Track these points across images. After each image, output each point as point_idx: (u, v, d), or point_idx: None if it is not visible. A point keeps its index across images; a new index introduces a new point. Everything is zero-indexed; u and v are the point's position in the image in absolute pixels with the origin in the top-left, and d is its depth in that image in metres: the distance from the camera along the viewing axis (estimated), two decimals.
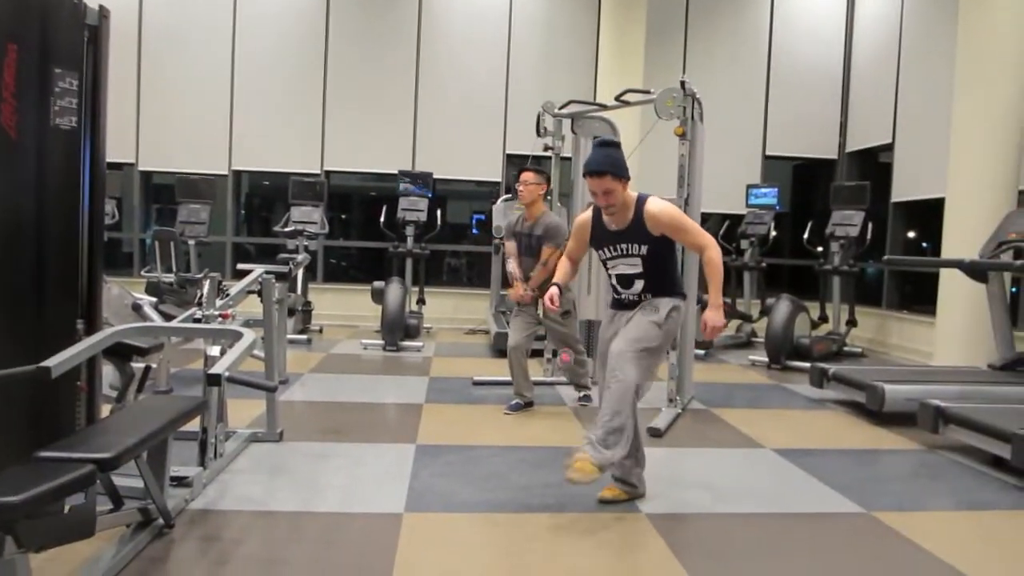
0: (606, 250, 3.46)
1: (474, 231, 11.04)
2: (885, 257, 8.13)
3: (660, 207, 3.35)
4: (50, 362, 2.75)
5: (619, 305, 3.53)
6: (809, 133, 10.24)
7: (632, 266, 3.40)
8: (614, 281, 3.51)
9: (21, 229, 3.07)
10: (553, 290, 3.65)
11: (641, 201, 3.36)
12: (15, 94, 2.99)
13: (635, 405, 3.28)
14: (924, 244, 9.30)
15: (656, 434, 4.68)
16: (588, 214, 3.57)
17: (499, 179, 10.06)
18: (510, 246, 5.41)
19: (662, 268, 3.42)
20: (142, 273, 8.78)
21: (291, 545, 2.94)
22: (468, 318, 9.67)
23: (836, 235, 8.21)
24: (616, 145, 3.48)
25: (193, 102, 9.73)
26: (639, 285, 3.42)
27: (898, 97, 9.03)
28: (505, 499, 3.50)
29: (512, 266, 5.34)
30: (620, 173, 3.32)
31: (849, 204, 8.26)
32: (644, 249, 3.36)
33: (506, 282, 9.05)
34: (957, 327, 6.78)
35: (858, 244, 8.14)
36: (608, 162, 3.32)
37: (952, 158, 6.93)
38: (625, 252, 3.40)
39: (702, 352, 7.71)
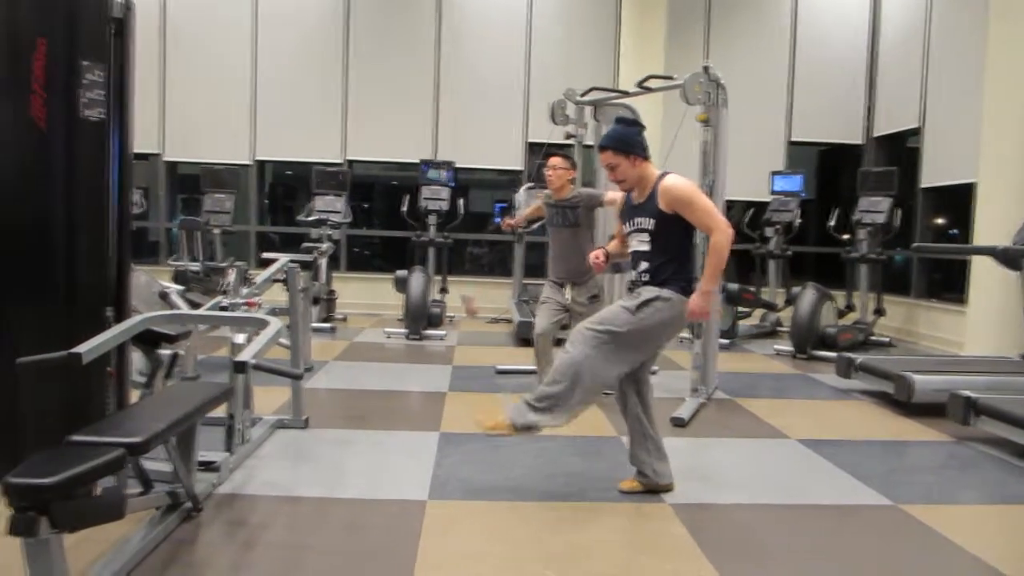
0: (628, 223, 3.44)
1: (496, 220, 11.03)
2: (914, 244, 8.00)
3: (674, 181, 3.28)
4: (81, 349, 2.79)
5: (629, 290, 3.50)
6: (835, 118, 10.07)
7: (642, 242, 3.34)
8: (631, 260, 3.48)
9: (51, 219, 3.12)
10: (600, 251, 3.67)
11: (662, 177, 3.32)
12: (44, 87, 3.03)
13: (584, 385, 3.15)
14: (954, 231, 9.14)
15: (680, 424, 4.66)
16: (623, 192, 3.59)
17: (521, 167, 10.04)
18: (535, 207, 5.47)
19: (667, 251, 3.30)
20: (169, 261, 8.89)
21: (316, 530, 2.97)
22: (491, 307, 9.68)
23: (863, 222, 8.09)
24: (630, 123, 3.46)
25: (217, 93, 9.80)
26: (643, 265, 3.34)
27: (926, 80, 8.85)
28: (528, 487, 3.51)
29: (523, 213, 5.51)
30: (624, 149, 3.30)
31: (876, 190, 8.12)
32: (651, 223, 3.29)
33: (528, 272, 9.11)
34: (988, 316, 6.66)
35: (885, 231, 8.02)
36: (612, 138, 3.34)
37: (983, 142, 6.79)
38: (638, 226, 3.35)
39: (726, 341, 7.66)
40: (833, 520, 3.31)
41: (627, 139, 3.34)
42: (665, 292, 3.24)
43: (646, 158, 3.35)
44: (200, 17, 9.79)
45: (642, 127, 3.48)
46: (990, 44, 6.75)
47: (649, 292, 3.25)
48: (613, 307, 3.35)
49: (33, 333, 3.10)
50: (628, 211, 3.45)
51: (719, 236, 3.20)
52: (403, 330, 7.88)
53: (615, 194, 3.64)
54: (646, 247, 3.32)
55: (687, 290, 3.28)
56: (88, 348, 2.82)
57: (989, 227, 6.57)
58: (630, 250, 3.44)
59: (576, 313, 5.28)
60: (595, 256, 3.65)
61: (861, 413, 5.30)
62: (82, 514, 2.16)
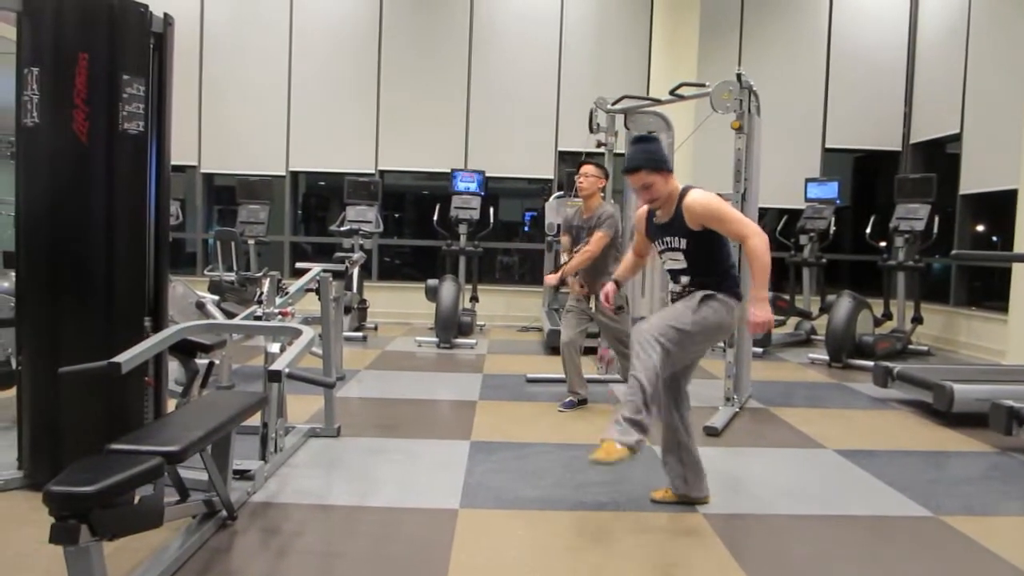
0: (657, 243, 3.39)
1: (526, 228, 11.04)
2: (953, 252, 7.83)
3: (695, 198, 3.20)
4: (120, 358, 2.84)
5: (671, 299, 3.43)
6: (871, 124, 9.93)
7: (676, 261, 3.29)
8: (670, 276, 3.44)
9: (92, 230, 3.19)
10: (609, 286, 3.64)
11: (683, 194, 3.24)
12: (86, 101, 3.11)
13: (658, 380, 3.11)
14: (994, 238, 8.93)
15: (713, 433, 4.61)
16: (643, 209, 3.50)
17: (551, 176, 10.04)
18: (566, 240, 5.41)
19: (707, 263, 3.25)
20: (205, 272, 9.04)
21: (348, 538, 2.99)
22: (521, 315, 9.68)
23: (900, 229, 7.95)
24: (651, 139, 3.43)
25: (252, 105, 9.97)
26: (684, 279, 3.30)
27: (966, 85, 8.68)
28: (560, 497, 3.49)
29: (566, 261, 5.34)
30: (657, 166, 3.23)
31: (914, 197, 7.98)
32: (684, 243, 3.23)
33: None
34: None
35: (924, 239, 7.87)
36: (642, 157, 3.24)
37: None
38: (670, 246, 3.29)
39: (760, 350, 7.56)
40: (872, 532, 3.24)
41: (658, 155, 3.27)
42: (720, 294, 3.22)
43: (671, 172, 3.31)
44: (237, 32, 9.98)
45: (658, 140, 3.47)
46: None
47: (702, 293, 3.21)
48: (676, 307, 3.24)
49: (74, 343, 3.17)
50: (654, 230, 3.39)
51: (755, 241, 3.12)
52: (434, 339, 7.92)
53: (639, 214, 3.56)
54: (681, 264, 3.28)
55: (738, 295, 3.28)
56: (127, 358, 2.87)
57: None
58: (665, 267, 3.40)
59: (602, 323, 5.27)
60: (604, 296, 3.64)
61: (899, 423, 5.20)
62: (122, 522, 2.20)
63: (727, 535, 3.09)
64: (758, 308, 3.14)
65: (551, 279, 5.31)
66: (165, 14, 3.36)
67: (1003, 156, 7.61)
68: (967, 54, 8.70)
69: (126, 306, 3.28)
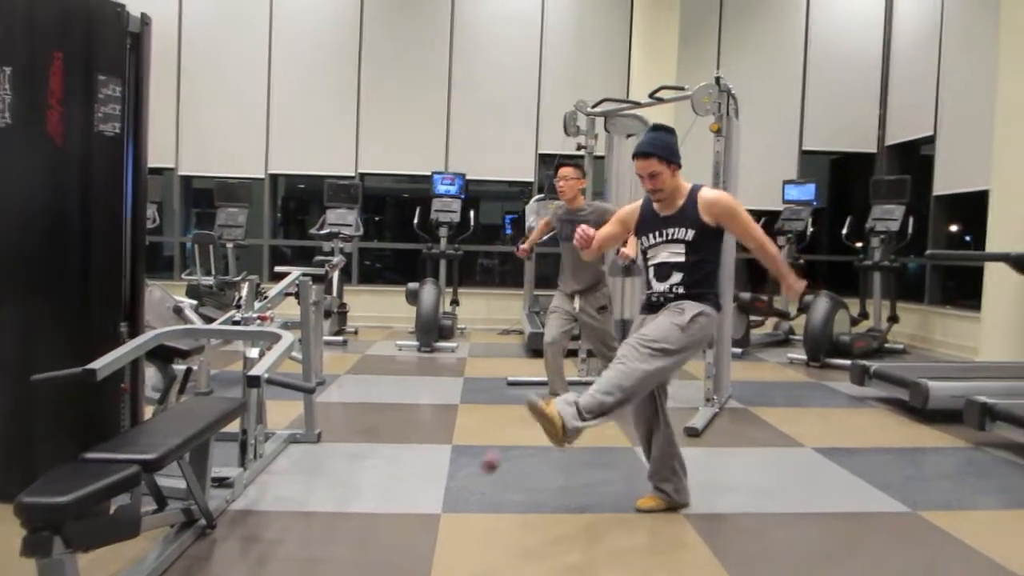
0: (651, 236, 3.31)
1: (507, 231, 11.04)
2: (928, 251, 7.94)
3: (714, 192, 3.30)
4: (96, 364, 2.80)
5: (649, 307, 3.34)
6: (847, 127, 10.05)
7: (675, 254, 3.23)
8: (651, 275, 3.32)
9: (67, 234, 3.14)
10: (587, 228, 3.42)
11: (696, 188, 3.28)
12: (61, 101, 3.06)
13: (633, 398, 3.09)
14: (967, 238, 9.07)
15: (693, 434, 4.63)
16: (638, 203, 3.47)
17: (532, 179, 10.05)
18: (541, 225, 5.53)
19: (703, 263, 3.23)
20: (182, 276, 8.94)
21: (330, 545, 2.97)
22: (502, 319, 9.67)
23: (876, 230, 8.05)
24: (669, 130, 3.37)
25: (231, 107, 9.88)
26: (676, 277, 3.22)
27: (939, 88, 8.81)
28: (542, 500, 3.49)
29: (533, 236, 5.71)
30: (668, 157, 3.22)
31: (889, 198, 8.09)
32: (691, 234, 3.20)
33: (540, 283, 9.10)
34: (1003, 322, 6.61)
35: (899, 239, 7.98)
36: (656, 144, 3.23)
37: (996, 149, 6.76)
38: (670, 237, 3.24)
39: (739, 350, 7.61)
40: (852, 528, 3.27)
41: (671, 147, 3.27)
42: (707, 308, 3.20)
43: (680, 167, 3.30)
44: (215, 32, 9.89)
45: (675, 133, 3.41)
46: (1002, 52, 6.73)
47: (692, 308, 3.17)
48: (662, 324, 3.16)
49: (48, 348, 3.12)
50: (652, 222, 3.33)
51: (760, 238, 3.28)
52: (414, 342, 7.89)
53: (627, 208, 3.52)
54: (680, 258, 3.23)
55: (719, 306, 3.30)
56: (103, 364, 2.83)
57: (1003, 233, 6.54)
58: (652, 263, 3.31)
59: (585, 324, 5.26)
60: (581, 233, 3.37)
61: (876, 420, 5.26)
62: (97, 533, 2.16)
63: (709, 534, 3.11)
64: (795, 281, 3.34)
65: (521, 251, 5.70)
66: (142, 14, 3.32)
67: (975, 158, 7.73)
68: (940, 59, 8.83)
69: (102, 311, 3.23)
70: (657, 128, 3.38)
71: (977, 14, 8.13)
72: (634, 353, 3.10)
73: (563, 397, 3.05)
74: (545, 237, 5.62)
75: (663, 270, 3.27)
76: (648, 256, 3.35)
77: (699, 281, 3.23)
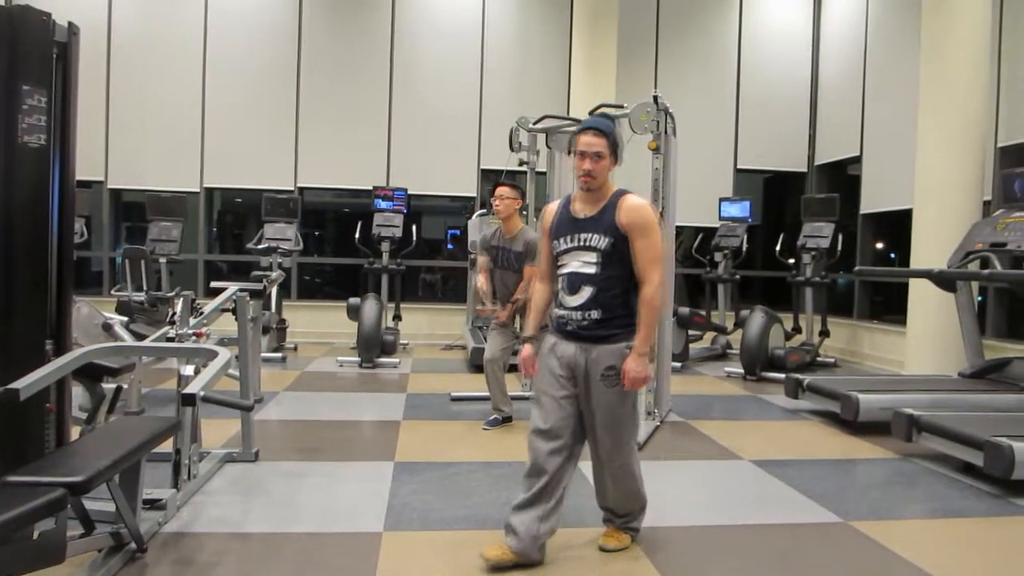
0: (564, 240, 2.93)
1: (449, 246, 11.03)
2: (856, 268, 8.27)
3: (641, 201, 2.93)
4: (18, 384, 2.69)
5: (564, 334, 2.94)
6: (779, 146, 10.40)
7: (586, 264, 2.86)
8: (561, 285, 2.94)
9: None
10: (527, 351, 3.12)
11: (621, 192, 2.94)
12: None
13: (643, 490, 3.15)
14: (892, 255, 9.46)
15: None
16: (555, 203, 3.12)
17: (474, 194, 10.08)
18: (482, 260, 5.38)
19: (617, 280, 2.86)
20: (112, 292, 8.63)
21: (268, 567, 2.89)
22: (445, 334, 9.64)
23: (807, 247, 8.33)
24: (616, 123, 3.12)
25: (164, 119, 9.63)
26: (586, 293, 2.85)
27: (864, 111, 9.21)
28: (486, 515, 3.47)
29: (481, 281, 5.30)
30: (614, 145, 2.93)
31: (819, 216, 8.39)
32: (605, 243, 2.83)
33: None
34: (927, 336, 6.90)
35: (829, 255, 8.27)
36: (608, 127, 2.94)
37: (918, 170, 7.07)
38: (584, 244, 2.87)
39: (678, 364, 7.75)
40: (786, 539, 3.35)
41: (618, 137, 2.97)
42: (625, 346, 2.86)
43: (617, 165, 3.00)
44: (147, 42, 9.63)
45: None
46: (922, 77, 7.07)
47: (616, 356, 2.85)
48: (610, 403, 2.88)
49: None
50: (567, 224, 2.95)
51: (654, 288, 2.83)
52: (356, 358, 7.79)
53: (547, 209, 3.31)
54: (591, 269, 2.86)
55: (635, 330, 2.88)
56: (26, 384, 2.72)
57: (926, 251, 6.82)
58: (564, 271, 2.93)
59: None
60: (524, 366, 3.12)
61: (810, 432, 5.41)
62: (19, 559, 2.07)
63: (649, 546, 3.14)
64: (640, 362, 2.82)
65: (498, 315, 5.17)
66: (70, 23, 3.22)
67: (899, 178, 8.09)
68: (864, 83, 9.24)
69: (25, 328, 3.09)
70: (606, 115, 3.17)
71: (899, 39, 8.55)
72: (619, 452, 3.01)
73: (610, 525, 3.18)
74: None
75: (573, 282, 2.89)
76: (559, 264, 2.97)
77: (613, 303, 2.86)
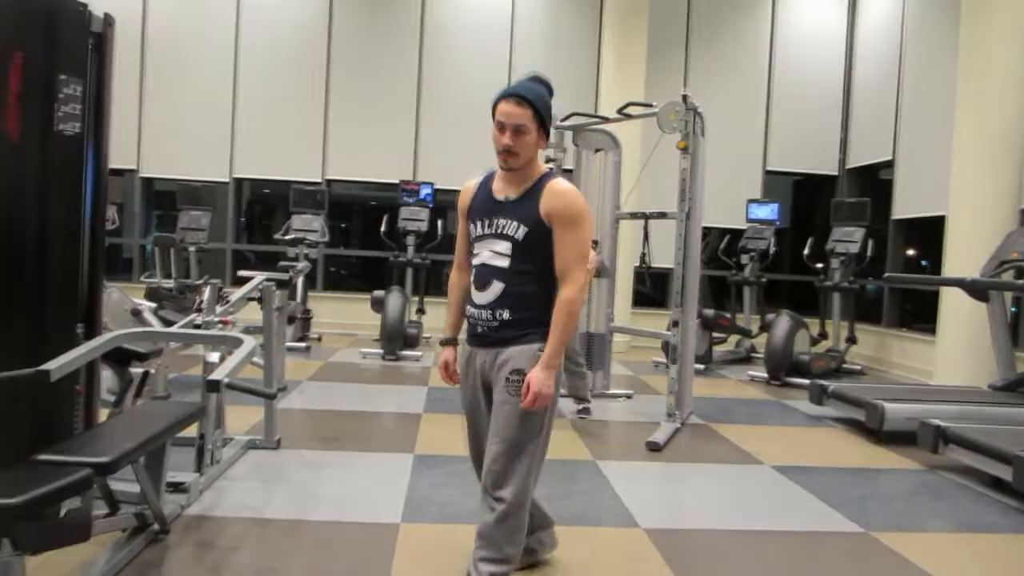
0: (479, 224, 2.49)
1: None
2: (886, 274, 8.14)
3: (569, 187, 2.44)
4: (49, 366, 2.74)
5: (473, 334, 2.52)
6: (810, 149, 10.26)
7: (498, 255, 2.42)
8: (473, 276, 2.50)
9: (23, 233, 3.06)
10: (447, 354, 2.69)
11: (549, 175, 2.49)
12: (20, 99, 3.00)
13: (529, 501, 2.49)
14: (924, 262, 9.31)
15: (655, 448, 4.66)
16: (475, 179, 2.67)
17: None
18: None
19: (530, 276, 2.41)
20: (142, 279, 8.78)
21: (286, 553, 2.92)
22: None
23: (836, 251, 8.21)
24: (549, 88, 2.57)
25: (195, 109, 9.76)
26: (496, 289, 2.41)
27: (899, 114, 9.06)
28: None
29: None
30: (542, 115, 2.44)
31: (849, 221, 8.27)
32: (522, 232, 2.39)
33: None
34: (958, 346, 6.77)
35: (858, 261, 8.15)
36: (536, 96, 2.44)
37: (953, 176, 6.94)
38: (499, 231, 2.43)
39: (701, 367, 7.70)
40: (806, 547, 3.32)
41: (548, 106, 2.49)
42: (538, 351, 2.38)
43: (548, 141, 2.56)
44: (181, 34, 9.77)
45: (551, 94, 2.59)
46: (959, 80, 6.93)
47: (525, 358, 2.37)
48: (509, 416, 2.37)
49: (1, 349, 3.03)
50: (484, 205, 2.51)
51: (577, 291, 2.36)
52: (379, 350, 7.83)
53: (465, 187, 2.66)
54: (503, 262, 2.42)
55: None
56: (57, 365, 2.77)
57: (959, 259, 6.70)
58: (476, 262, 2.49)
59: None
60: (443, 368, 2.69)
61: (833, 440, 5.35)
62: (46, 536, 2.12)
63: (667, 549, 3.12)
64: (546, 376, 2.33)
65: None
66: (106, 14, 3.27)
67: (932, 183, 7.94)
68: (899, 86, 9.08)
69: (58, 312, 3.16)
70: (539, 80, 2.55)
71: (936, 42, 8.38)
72: (506, 473, 2.38)
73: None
74: None
75: (483, 276, 2.46)
76: (474, 251, 2.52)
77: (527, 303, 2.41)
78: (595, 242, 4.48)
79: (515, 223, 2.42)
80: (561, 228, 2.38)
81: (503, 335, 2.42)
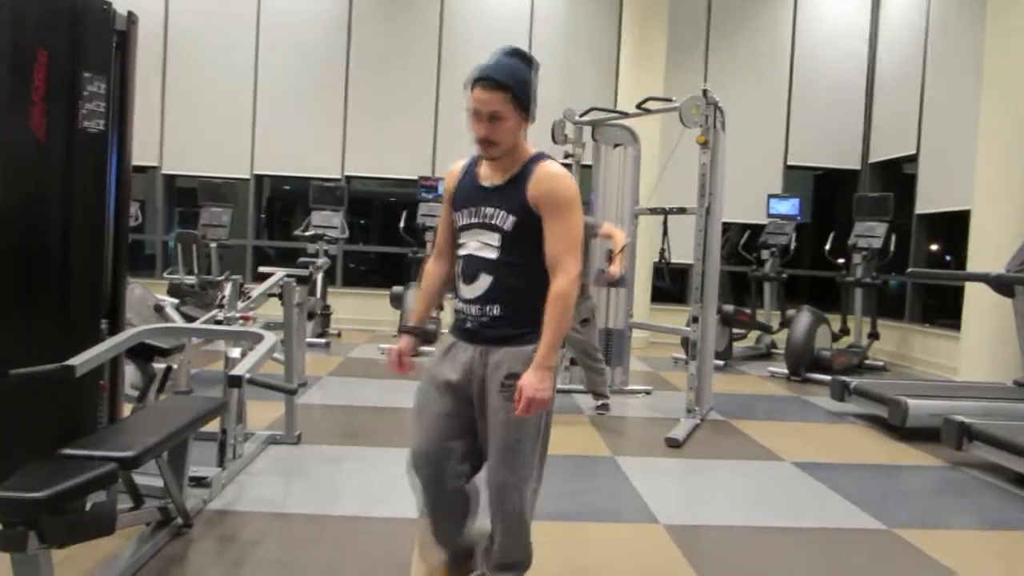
0: (465, 213, 2.32)
1: None
2: (909, 270, 8.05)
3: (560, 170, 2.28)
4: (74, 361, 2.78)
5: (459, 328, 2.36)
6: (831, 143, 10.15)
7: (485, 246, 2.25)
8: (459, 270, 2.34)
9: (48, 230, 3.11)
10: (404, 343, 2.50)
11: (538, 158, 2.30)
12: (45, 98, 3.04)
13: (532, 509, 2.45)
14: (948, 257, 9.19)
15: (675, 444, 4.65)
16: (460, 162, 2.47)
17: None
18: None
19: (520, 269, 2.24)
20: (164, 275, 8.86)
21: (307, 548, 2.95)
22: None
23: (858, 247, 8.13)
24: (529, 62, 2.29)
25: (217, 106, 9.84)
26: (484, 283, 2.25)
27: (923, 107, 8.93)
28: None
29: None
30: (521, 98, 2.22)
31: (872, 215, 8.17)
32: (510, 222, 2.22)
33: None
34: (982, 342, 6.68)
35: (881, 256, 8.06)
36: (511, 74, 2.20)
37: (978, 170, 6.84)
38: (486, 221, 2.26)
39: (721, 362, 7.65)
40: (827, 544, 3.29)
41: (528, 87, 2.25)
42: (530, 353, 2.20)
43: (529, 122, 2.32)
44: (202, 31, 9.85)
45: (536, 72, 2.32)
46: (985, 75, 6.83)
47: (519, 361, 2.21)
48: (508, 428, 2.24)
49: (26, 345, 3.08)
50: (470, 193, 2.33)
51: (570, 283, 2.18)
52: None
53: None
54: (491, 254, 2.25)
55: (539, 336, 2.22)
56: (81, 361, 2.80)
57: (983, 254, 6.60)
58: (463, 253, 2.32)
59: (568, 336, 5.27)
60: (396, 358, 2.50)
61: (855, 436, 5.30)
62: (72, 529, 2.14)
63: (687, 545, 3.11)
64: (542, 377, 2.14)
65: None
66: (129, 12, 3.30)
67: (957, 178, 7.83)
68: (924, 79, 8.95)
69: (82, 308, 3.20)
70: (515, 53, 2.28)
71: (961, 34, 8.25)
72: (512, 489, 2.34)
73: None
74: None
75: (470, 268, 2.29)
76: (460, 241, 2.35)
77: (518, 298, 2.25)
78: (623, 248, 4.44)
79: (502, 212, 2.24)
80: (549, 215, 2.20)
81: (494, 333, 2.26)
